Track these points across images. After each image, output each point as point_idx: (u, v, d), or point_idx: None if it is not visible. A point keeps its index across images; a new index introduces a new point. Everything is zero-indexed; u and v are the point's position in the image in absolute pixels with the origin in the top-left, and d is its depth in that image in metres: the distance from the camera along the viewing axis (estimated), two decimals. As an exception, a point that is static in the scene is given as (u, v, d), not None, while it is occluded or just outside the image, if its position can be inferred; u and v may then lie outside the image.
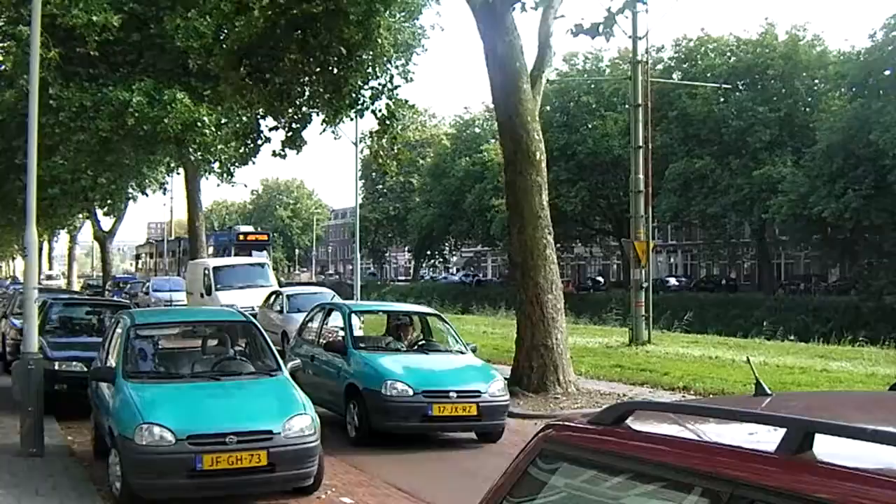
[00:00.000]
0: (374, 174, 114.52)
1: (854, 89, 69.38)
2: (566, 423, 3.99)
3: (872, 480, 2.76)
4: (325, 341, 19.79)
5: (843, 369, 25.14)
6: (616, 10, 19.81)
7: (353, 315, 20.22)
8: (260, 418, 12.54)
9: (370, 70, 28.76)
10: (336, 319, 21.31)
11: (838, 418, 3.49)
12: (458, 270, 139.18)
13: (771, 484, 2.93)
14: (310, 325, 21.66)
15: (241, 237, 71.05)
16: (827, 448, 2.97)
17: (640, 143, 33.18)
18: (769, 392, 4.01)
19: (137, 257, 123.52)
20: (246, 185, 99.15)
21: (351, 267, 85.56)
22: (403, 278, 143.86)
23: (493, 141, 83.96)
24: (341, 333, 19.82)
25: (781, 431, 3.05)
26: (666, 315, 44.61)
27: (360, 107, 30.06)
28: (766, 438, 3.09)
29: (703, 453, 3.28)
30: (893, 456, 2.80)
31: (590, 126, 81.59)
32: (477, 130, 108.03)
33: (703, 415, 3.69)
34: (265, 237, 76.39)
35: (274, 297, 36.62)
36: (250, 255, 59.42)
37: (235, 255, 61.87)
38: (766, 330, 43.07)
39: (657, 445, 3.47)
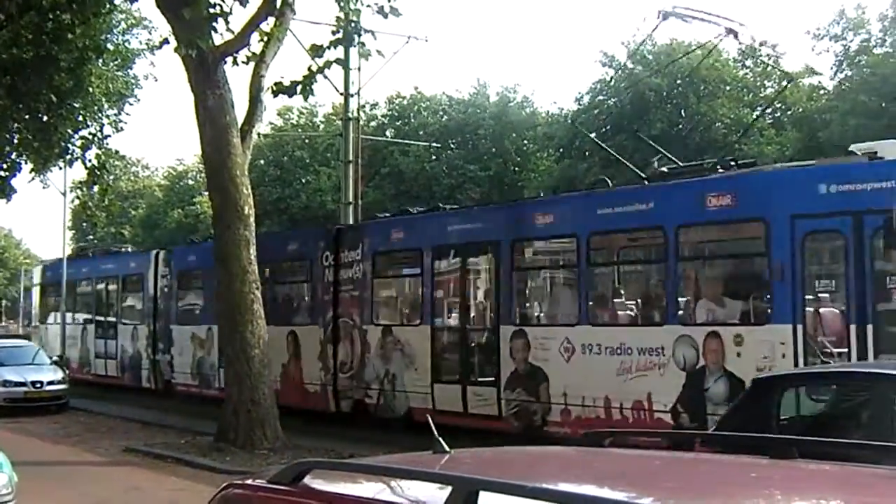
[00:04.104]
0: (84, 224, 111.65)
1: (561, 150, 71.51)
2: (245, 483, 4.00)
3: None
4: None
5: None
6: (316, 69, 20.10)
7: None
8: (-49, 478, 12.05)
9: (81, 119, 28.24)
10: None
11: (504, 476, 3.59)
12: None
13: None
14: None
15: None
16: (493, 504, 2.92)
17: (351, 200, 33.42)
18: (447, 449, 4.10)
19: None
20: None
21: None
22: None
23: (206, 193, 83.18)
24: None
25: (448, 489, 3.13)
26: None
27: (69, 156, 29.46)
28: (437, 496, 3.15)
29: (372, 512, 3.33)
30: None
31: (303, 181, 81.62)
32: (190, 182, 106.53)
33: (378, 473, 3.75)
34: None
35: (-27, 350, 35.03)
36: None
37: None
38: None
39: (331, 505, 3.51)
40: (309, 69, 21.16)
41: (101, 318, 39.38)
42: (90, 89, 26.62)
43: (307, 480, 3.67)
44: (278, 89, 21.35)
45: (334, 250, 26.52)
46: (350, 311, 25.91)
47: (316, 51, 21.23)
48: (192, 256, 33.68)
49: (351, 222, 32.44)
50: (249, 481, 4.01)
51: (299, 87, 21.22)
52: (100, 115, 29.69)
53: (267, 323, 22.72)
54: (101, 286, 40.14)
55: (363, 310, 25.58)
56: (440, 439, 4.12)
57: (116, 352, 37.51)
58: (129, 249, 45.79)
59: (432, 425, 4.22)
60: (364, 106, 59.28)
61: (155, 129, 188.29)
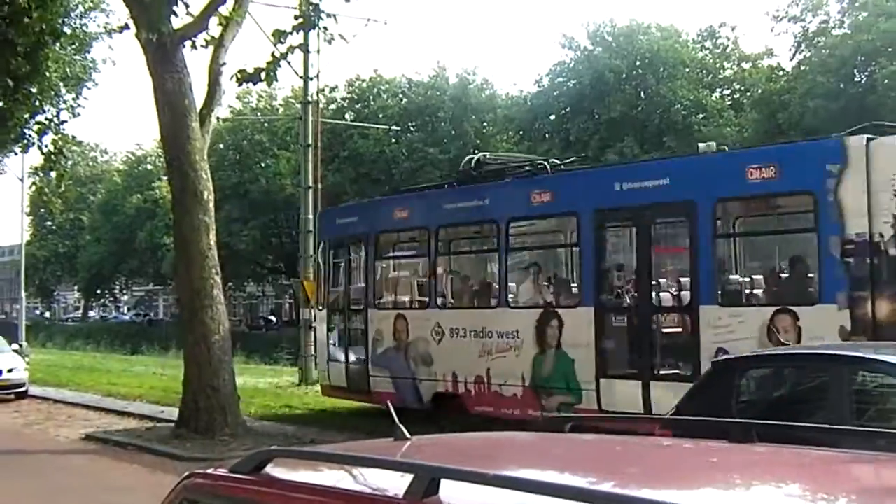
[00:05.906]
0: (42, 210, 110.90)
1: (521, 132, 71.68)
2: (207, 472, 3.98)
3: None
4: None
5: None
6: (279, 55, 20.02)
7: None
8: None
9: (37, 103, 28.03)
10: None
11: (465, 463, 3.60)
12: (129, 310, 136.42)
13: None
14: None
15: None
16: (454, 493, 3.05)
17: (311, 184, 33.33)
18: (408, 436, 4.09)
19: None
20: None
21: (18, 306, 79.49)
22: (73, 318, 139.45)
23: (165, 178, 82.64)
24: None
25: (410, 477, 3.13)
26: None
27: (25, 141, 29.27)
28: (398, 485, 3.15)
29: (333, 500, 3.33)
30: (514, 499, 2.90)
31: (263, 165, 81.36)
32: (149, 167, 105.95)
33: (339, 462, 3.75)
34: None
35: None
36: None
37: None
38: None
39: (292, 493, 3.50)
40: (272, 55, 21.13)
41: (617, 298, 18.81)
42: (47, 74, 26.43)
43: (269, 469, 3.66)
44: (242, 77, 21.30)
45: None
46: None
47: (279, 36, 21.18)
48: None
49: (311, 206, 32.27)
50: (211, 471, 4.00)
51: (263, 74, 21.18)
52: (57, 99, 29.52)
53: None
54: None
55: None
56: (401, 426, 4.11)
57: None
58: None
59: (393, 412, 4.22)
60: (323, 89, 59.20)
61: (113, 114, 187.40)
